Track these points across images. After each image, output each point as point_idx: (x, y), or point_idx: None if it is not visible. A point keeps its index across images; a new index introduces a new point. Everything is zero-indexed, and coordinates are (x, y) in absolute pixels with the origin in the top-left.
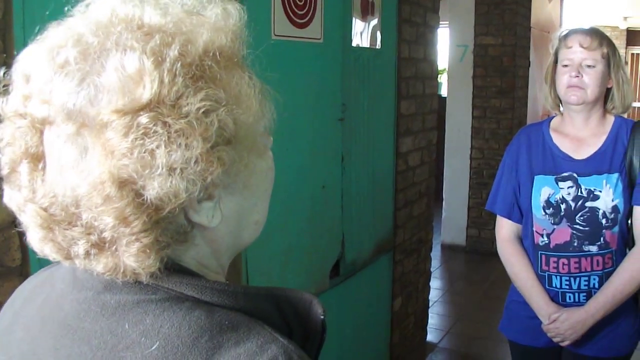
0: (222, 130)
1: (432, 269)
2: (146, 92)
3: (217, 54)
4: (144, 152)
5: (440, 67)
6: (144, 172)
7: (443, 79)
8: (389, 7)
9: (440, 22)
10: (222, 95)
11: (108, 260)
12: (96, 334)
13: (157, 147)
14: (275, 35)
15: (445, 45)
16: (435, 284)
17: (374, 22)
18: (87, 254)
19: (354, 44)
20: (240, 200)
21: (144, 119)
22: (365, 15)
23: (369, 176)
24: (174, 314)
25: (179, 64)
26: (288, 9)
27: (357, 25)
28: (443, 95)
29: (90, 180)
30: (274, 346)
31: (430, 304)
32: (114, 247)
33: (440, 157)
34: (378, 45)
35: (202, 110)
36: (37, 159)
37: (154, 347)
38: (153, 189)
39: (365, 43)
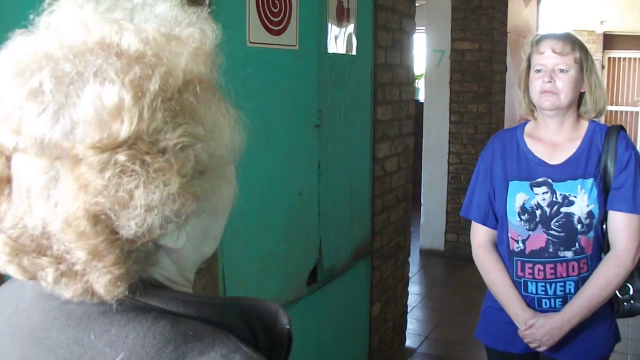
0: (197, 164)
1: (410, 274)
2: (124, 128)
3: (197, 86)
4: (122, 192)
5: (417, 73)
6: (121, 212)
7: (420, 84)
8: (364, 13)
9: (417, 28)
10: (200, 131)
11: (77, 287)
12: (62, 344)
13: (136, 187)
14: (250, 42)
15: (422, 50)
16: (414, 289)
17: (350, 28)
18: (56, 281)
19: (329, 50)
20: (204, 221)
21: (121, 156)
22: (340, 21)
23: (346, 182)
24: (139, 324)
25: (159, 99)
26: (263, 16)
27: (333, 31)
28: (420, 101)
29: (64, 216)
30: (238, 355)
31: (408, 309)
32: (85, 278)
33: (418, 162)
34: (354, 51)
35: (179, 146)
36: (2, 182)
37: (118, 358)
38: (129, 228)
39: (341, 49)
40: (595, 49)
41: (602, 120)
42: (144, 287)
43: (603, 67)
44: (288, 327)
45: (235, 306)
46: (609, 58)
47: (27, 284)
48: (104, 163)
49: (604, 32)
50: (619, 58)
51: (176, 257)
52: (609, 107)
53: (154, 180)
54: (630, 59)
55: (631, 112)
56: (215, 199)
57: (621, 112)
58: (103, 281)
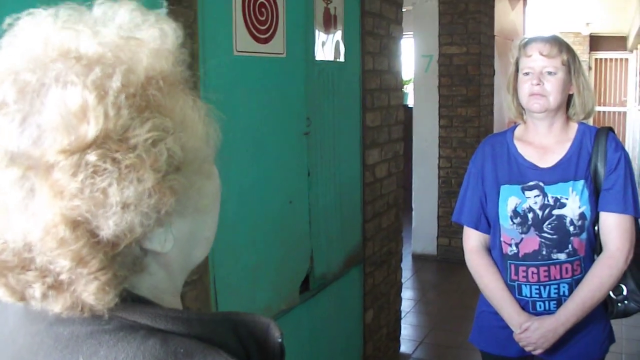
0: (171, 158)
1: (403, 280)
2: (91, 128)
3: (160, 80)
4: (96, 192)
5: (405, 78)
6: (98, 212)
7: (409, 89)
8: (351, 20)
9: (405, 33)
10: (169, 123)
11: (66, 300)
12: None
13: (109, 185)
14: (238, 51)
15: (410, 55)
16: (407, 295)
17: (337, 35)
18: (44, 296)
19: (317, 57)
20: (191, 222)
21: (92, 156)
22: (328, 28)
23: (336, 189)
24: (128, 344)
25: (122, 96)
26: (250, 24)
27: (320, 38)
28: (409, 106)
29: (43, 225)
30: None
31: (402, 315)
32: (72, 287)
33: (408, 167)
34: (342, 58)
35: (150, 141)
36: None
37: None
38: (108, 228)
39: (329, 56)
40: (581, 51)
41: (590, 120)
42: (131, 305)
43: (590, 68)
44: (280, 340)
45: (225, 321)
46: (596, 59)
47: (11, 308)
48: (76, 166)
49: (590, 33)
50: (606, 59)
51: (164, 262)
52: (597, 108)
53: (127, 177)
54: (616, 59)
55: (619, 112)
56: (197, 195)
57: (609, 112)
58: (91, 289)
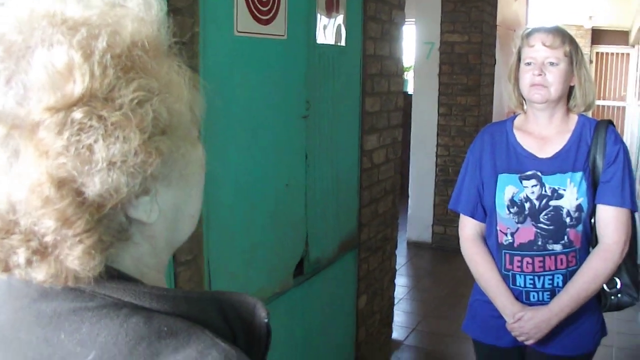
0: (157, 120)
1: (397, 267)
2: (77, 86)
3: (146, 43)
4: (82, 148)
5: (406, 65)
6: (84, 169)
7: (409, 76)
8: (354, 4)
9: (407, 19)
10: (155, 84)
11: (50, 267)
12: (31, 345)
13: (95, 141)
14: (238, 31)
15: (412, 42)
16: (401, 282)
17: (339, 19)
18: (29, 262)
19: (318, 40)
20: (176, 192)
21: (78, 114)
22: (330, 11)
23: (333, 174)
24: (111, 321)
25: (108, 56)
26: (251, 4)
27: (322, 22)
28: (409, 93)
29: (28, 184)
30: (214, 351)
31: (395, 302)
32: (57, 251)
33: (405, 154)
34: (343, 42)
35: (135, 101)
36: None
37: (90, 357)
38: (94, 186)
39: (330, 40)
40: (583, 44)
41: (590, 114)
42: (115, 282)
43: (591, 61)
44: (266, 321)
45: (212, 300)
46: (597, 53)
47: None
48: (61, 124)
49: (592, 27)
50: (607, 53)
51: (150, 234)
52: (597, 102)
53: (113, 133)
54: (617, 54)
55: (618, 107)
56: (182, 160)
57: (609, 106)
58: (76, 252)
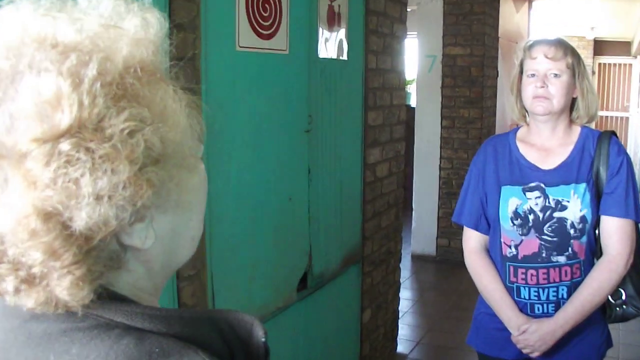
0: (149, 150)
1: (402, 280)
2: (65, 117)
3: (138, 69)
4: (68, 182)
5: (408, 78)
6: (70, 203)
7: (412, 89)
8: (355, 18)
9: (409, 33)
10: (147, 113)
11: (39, 295)
12: None
13: (82, 175)
14: (240, 46)
15: (414, 55)
16: (406, 295)
17: (341, 33)
18: (17, 290)
19: (320, 55)
20: (173, 218)
21: (65, 145)
22: (331, 26)
23: (337, 188)
24: (101, 342)
25: (98, 84)
26: (253, 19)
27: (324, 36)
28: (412, 106)
29: (14, 216)
30: None
31: (400, 315)
32: (45, 282)
33: (409, 167)
34: (345, 56)
35: (126, 131)
36: None
37: None
38: (81, 220)
39: (332, 54)
40: (585, 55)
41: (592, 125)
42: (107, 302)
43: (593, 72)
44: (264, 340)
45: (207, 320)
46: (600, 64)
47: None
48: (49, 155)
49: (595, 38)
50: (609, 64)
51: (145, 259)
52: (600, 113)
53: (101, 167)
54: (620, 64)
55: (621, 118)
56: (178, 190)
57: (611, 117)
58: (64, 284)
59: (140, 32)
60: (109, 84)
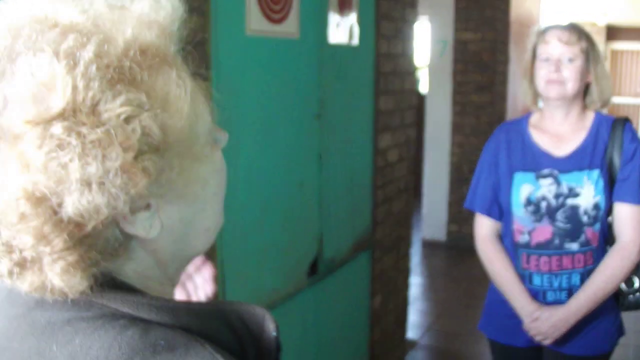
0: (147, 137)
1: (412, 266)
2: (58, 99)
3: (138, 52)
4: (58, 166)
5: (419, 63)
6: (59, 188)
7: (423, 74)
8: (366, 3)
9: (420, 17)
10: (144, 99)
11: (33, 279)
12: (23, 355)
13: (71, 160)
14: (250, 31)
15: (425, 40)
16: (416, 281)
17: (352, 17)
18: (10, 272)
19: (331, 40)
20: (181, 208)
21: (57, 129)
22: (342, 10)
23: (347, 173)
24: (105, 333)
25: (93, 67)
26: (263, 3)
27: (335, 20)
28: (423, 91)
29: (5, 198)
30: None
31: (410, 301)
32: (37, 265)
33: (419, 152)
34: (355, 41)
35: (122, 116)
36: None
37: None
38: (70, 206)
39: (343, 39)
40: (598, 41)
41: (605, 111)
42: (113, 292)
43: (606, 58)
44: (275, 334)
45: (217, 312)
46: (612, 50)
47: None
48: (41, 138)
49: (607, 24)
50: (622, 50)
51: (152, 249)
52: (612, 99)
53: (90, 152)
54: (633, 51)
55: (634, 104)
56: (181, 180)
57: (624, 103)
58: (56, 269)
59: (150, 14)
60: (105, 66)
